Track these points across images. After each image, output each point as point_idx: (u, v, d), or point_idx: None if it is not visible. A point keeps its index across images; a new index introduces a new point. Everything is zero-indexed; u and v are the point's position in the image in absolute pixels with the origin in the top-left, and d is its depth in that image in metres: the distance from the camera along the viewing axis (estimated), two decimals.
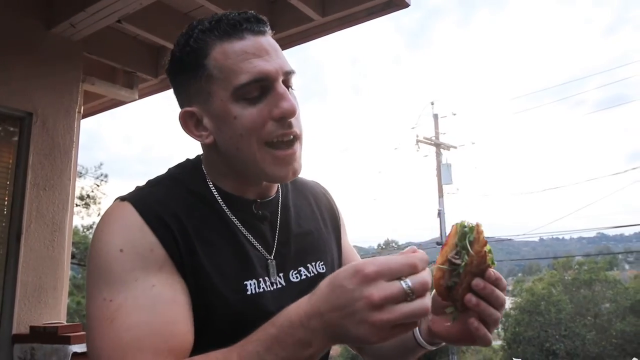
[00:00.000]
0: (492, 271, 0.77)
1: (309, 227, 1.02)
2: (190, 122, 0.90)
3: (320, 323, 0.63)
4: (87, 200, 19.06)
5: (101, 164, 20.93)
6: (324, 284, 0.65)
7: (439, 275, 0.77)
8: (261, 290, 0.87)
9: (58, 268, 3.39)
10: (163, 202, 0.85)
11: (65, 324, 3.29)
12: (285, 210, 0.99)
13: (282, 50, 0.90)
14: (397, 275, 0.61)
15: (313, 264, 0.98)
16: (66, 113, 3.54)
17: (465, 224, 0.77)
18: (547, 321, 20.27)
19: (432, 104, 22.54)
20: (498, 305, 0.78)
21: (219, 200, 0.91)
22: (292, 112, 0.85)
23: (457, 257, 0.76)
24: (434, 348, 0.96)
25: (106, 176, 19.70)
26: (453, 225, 0.79)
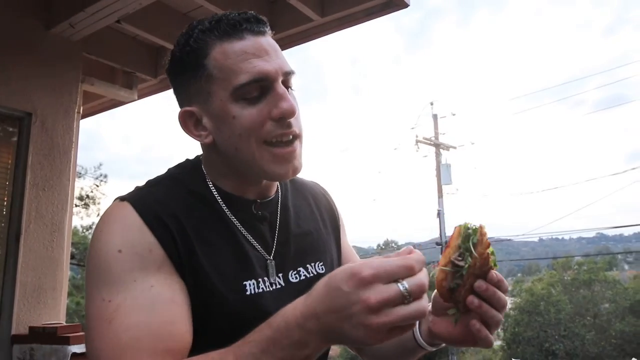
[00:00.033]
0: (495, 273, 0.77)
1: (309, 227, 1.02)
2: (189, 122, 0.90)
3: (316, 324, 0.63)
4: (86, 201, 19.06)
5: (100, 164, 20.94)
6: (320, 285, 0.64)
7: (442, 277, 0.77)
8: (260, 290, 0.87)
9: (57, 268, 3.38)
10: (162, 202, 0.85)
11: (65, 324, 3.29)
12: (285, 210, 0.99)
13: (282, 50, 0.90)
14: (393, 277, 0.61)
15: (312, 264, 0.98)
16: (65, 113, 3.54)
17: (469, 225, 0.77)
18: (546, 321, 20.29)
19: (432, 104, 22.57)
20: (500, 307, 0.78)
21: (219, 201, 0.91)
22: (291, 113, 0.85)
23: (460, 258, 0.76)
24: (434, 349, 0.95)
25: (105, 176, 19.73)
26: (456, 227, 0.79)
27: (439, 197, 20.45)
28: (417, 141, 21.26)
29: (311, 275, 0.96)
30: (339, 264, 1.06)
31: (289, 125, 0.86)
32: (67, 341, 3.03)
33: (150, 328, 0.74)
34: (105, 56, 3.99)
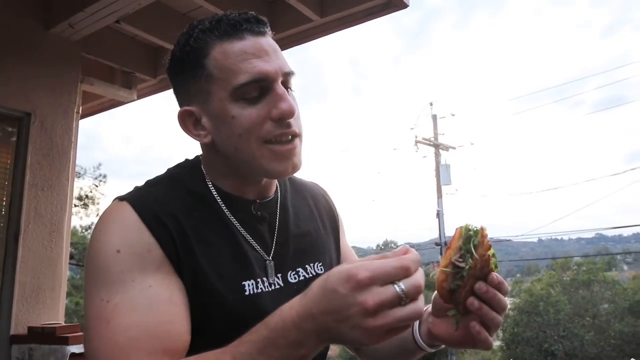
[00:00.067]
0: (495, 275, 0.77)
1: (308, 228, 1.02)
2: (188, 121, 0.90)
3: (313, 325, 0.63)
4: (85, 201, 19.03)
5: (100, 165, 20.89)
6: (315, 285, 0.64)
7: (442, 278, 0.77)
8: (259, 290, 0.87)
9: (56, 268, 3.38)
10: (161, 202, 0.85)
11: (64, 324, 3.28)
12: (284, 211, 0.99)
13: (281, 50, 0.90)
14: (390, 279, 0.60)
15: (311, 265, 0.97)
16: (65, 113, 3.54)
17: (470, 227, 0.77)
18: (545, 322, 20.30)
19: (431, 104, 22.56)
20: (500, 309, 0.78)
21: (218, 201, 0.90)
22: (290, 113, 0.85)
23: (461, 260, 0.76)
24: (433, 350, 0.95)
25: (105, 176, 19.69)
26: (457, 229, 0.79)
27: (438, 198, 20.46)
28: (417, 141, 21.26)
29: (310, 275, 0.96)
30: (338, 264, 1.06)
31: (289, 125, 0.86)
32: (66, 341, 3.03)
33: (148, 328, 0.74)
34: (104, 56, 3.98)
